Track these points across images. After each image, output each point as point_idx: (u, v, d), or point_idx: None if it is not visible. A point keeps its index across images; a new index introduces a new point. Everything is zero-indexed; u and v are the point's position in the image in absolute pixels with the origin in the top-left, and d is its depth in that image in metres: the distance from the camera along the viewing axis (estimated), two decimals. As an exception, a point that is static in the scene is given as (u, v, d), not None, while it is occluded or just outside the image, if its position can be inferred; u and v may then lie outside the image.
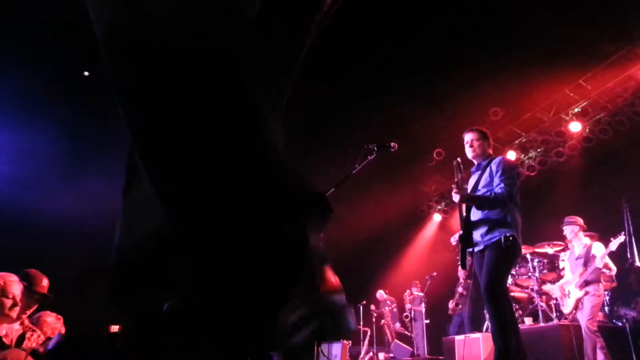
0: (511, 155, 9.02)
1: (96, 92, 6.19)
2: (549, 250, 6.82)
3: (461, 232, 3.94)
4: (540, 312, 6.30)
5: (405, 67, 7.57)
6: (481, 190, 3.93)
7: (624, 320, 5.93)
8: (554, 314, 6.19)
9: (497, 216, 3.77)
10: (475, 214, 3.89)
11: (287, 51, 1.07)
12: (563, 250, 6.53)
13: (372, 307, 9.45)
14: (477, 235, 3.83)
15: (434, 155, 9.95)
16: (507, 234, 3.67)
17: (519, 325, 4.07)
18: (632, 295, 6.39)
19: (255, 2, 0.95)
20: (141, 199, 0.84)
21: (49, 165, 7.26)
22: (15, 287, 3.00)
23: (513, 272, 6.94)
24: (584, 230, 6.00)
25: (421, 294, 9.05)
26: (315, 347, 3.56)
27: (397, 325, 9.73)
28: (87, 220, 6.81)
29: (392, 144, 4.10)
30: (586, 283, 5.58)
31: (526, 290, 6.99)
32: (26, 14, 6.08)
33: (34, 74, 6.59)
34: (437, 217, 11.36)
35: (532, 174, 9.12)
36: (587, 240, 5.93)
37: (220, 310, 0.72)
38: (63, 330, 3.60)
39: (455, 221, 4.48)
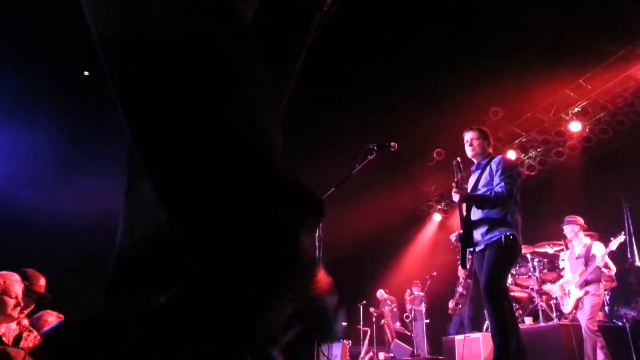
0: (511, 155, 9.02)
1: (95, 92, 6.19)
2: (549, 249, 6.82)
3: (461, 231, 3.94)
4: (540, 312, 6.30)
5: (405, 67, 7.57)
6: (481, 190, 3.93)
7: (624, 320, 5.93)
8: (554, 314, 6.19)
9: (497, 215, 3.77)
10: (476, 214, 3.88)
11: (286, 51, 1.07)
12: (563, 249, 6.53)
13: (372, 309, 9.44)
14: (477, 234, 3.83)
15: (434, 155, 9.95)
16: (507, 234, 3.67)
17: (519, 325, 4.07)
18: (632, 295, 6.39)
19: (255, 1, 0.95)
20: (142, 199, 0.84)
21: (48, 165, 7.27)
22: (17, 286, 3.00)
23: (513, 271, 6.93)
24: (584, 230, 6.00)
25: (421, 293, 9.05)
26: (316, 347, 3.56)
27: (397, 324, 9.73)
28: (86, 220, 6.81)
29: (392, 143, 4.11)
30: (586, 283, 5.58)
31: (526, 290, 6.99)
32: (26, 14, 6.08)
33: (33, 73, 6.59)
34: (437, 217, 11.36)
35: (532, 173, 9.12)
36: (587, 240, 5.93)
37: (218, 310, 0.72)
38: None
39: (455, 221, 4.48)
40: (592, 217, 6.32)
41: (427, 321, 8.77)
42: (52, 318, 3.56)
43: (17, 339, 3.01)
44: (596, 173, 8.17)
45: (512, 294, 6.65)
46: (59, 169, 7.41)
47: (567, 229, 6.00)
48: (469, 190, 4.05)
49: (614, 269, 5.79)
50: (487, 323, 6.57)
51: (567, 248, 6.26)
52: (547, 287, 6.47)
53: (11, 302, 2.92)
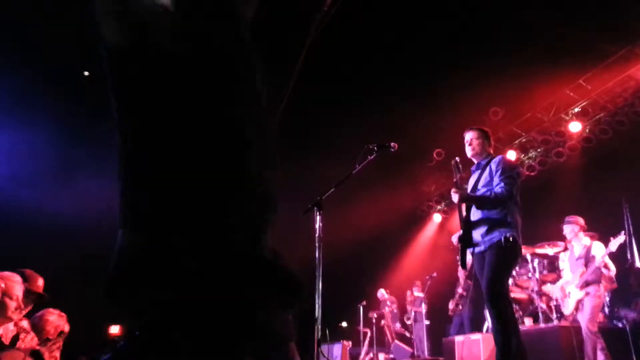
0: (511, 155, 9.02)
1: (95, 92, 6.19)
2: (549, 250, 6.81)
3: (461, 232, 3.94)
4: (540, 313, 6.29)
5: (405, 67, 7.57)
6: (481, 190, 3.92)
7: (624, 321, 5.92)
8: (554, 315, 6.19)
9: (497, 216, 3.76)
10: (475, 214, 3.88)
11: (286, 51, 1.07)
12: (563, 250, 6.52)
13: (371, 313, 9.42)
14: (477, 235, 3.83)
15: (434, 155, 9.95)
16: (507, 234, 3.66)
17: (519, 326, 4.07)
18: (633, 296, 6.38)
19: (255, 1, 0.95)
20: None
21: (48, 165, 7.26)
22: (18, 288, 2.99)
23: (513, 272, 6.93)
24: (584, 230, 5.99)
25: (421, 294, 9.05)
26: (315, 348, 3.55)
27: (398, 325, 9.72)
28: (86, 220, 6.81)
29: (392, 143, 4.10)
30: (586, 284, 5.57)
31: (526, 291, 6.98)
32: (26, 14, 6.07)
33: (33, 73, 6.58)
34: (437, 217, 11.36)
35: (532, 174, 9.12)
36: (587, 241, 5.92)
37: (219, 310, 0.73)
38: (67, 328, 3.56)
39: (455, 221, 4.47)
40: (592, 217, 6.31)
41: (427, 322, 8.76)
42: (53, 317, 3.55)
43: (14, 339, 3.00)
44: (596, 173, 8.16)
45: (512, 295, 6.64)
46: (59, 169, 7.41)
47: (567, 229, 5.99)
48: (468, 190, 4.04)
49: (613, 269, 5.78)
50: (487, 324, 6.57)
51: (567, 249, 6.25)
52: (547, 288, 6.46)
53: (12, 304, 2.91)
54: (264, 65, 0.83)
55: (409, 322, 9.28)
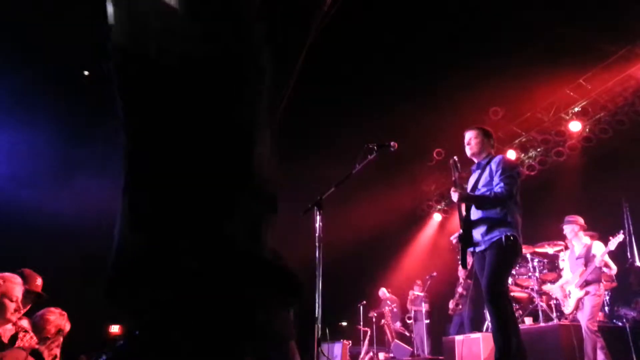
0: (511, 154, 9.02)
1: (95, 92, 6.19)
2: (549, 250, 6.82)
3: (461, 231, 3.94)
4: (540, 312, 6.30)
5: (405, 67, 7.57)
6: (481, 190, 3.92)
7: (624, 320, 5.93)
8: (554, 314, 6.19)
9: (497, 216, 3.76)
10: (475, 214, 3.88)
11: (286, 51, 1.07)
12: (563, 250, 6.53)
13: (371, 313, 9.43)
14: (477, 234, 3.83)
15: (434, 155, 9.95)
16: (508, 234, 3.66)
17: (519, 325, 4.07)
18: (633, 295, 6.39)
19: (255, 2, 0.95)
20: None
21: (48, 165, 7.26)
22: (18, 289, 2.98)
23: (513, 272, 6.93)
24: (584, 230, 5.99)
25: (422, 294, 9.05)
26: (316, 347, 3.56)
27: (398, 324, 9.73)
28: (86, 220, 6.81)
29: (392, 143, 4.10)
30: (587, 283, 5.57)
31: (526, 290, 6.98)
32: (26, 14, 6.07)
33: (33, 73, 6.58)
34: (437, 217, 11.36)
35: (532, 173, 9.12)
36: (587, 240, 5.93)
37: (219, 310, 0.73)
38: (68, 327, 3.56)
39: (455, 221, 4.47)
40: (592, 217, 6.32)
41: (427, 321, 8.77)
42: (54, 317, 3.54)
43: (13, 339, 2.99)
44: (596, 173, 8.17)
45: (512, 294, 6.65)
46: (59, 169, 7.41)
47: (567, 229, 6.00)
48: (469, 189, 4.04)
49: (614, 268, 5.78)
50: (487, 323, 6.57)
51: (567, 248, 6.26)
52: (547, 287, 6.46)
53: (11, 305, 2.91)
54: (272, 65, 0.83)
55: (410, 322, 9.29)
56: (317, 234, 3.94)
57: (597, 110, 8.20)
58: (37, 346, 3.07)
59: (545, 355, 5.21)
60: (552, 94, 8.37)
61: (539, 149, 9.14)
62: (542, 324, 5.99)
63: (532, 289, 6.70)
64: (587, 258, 5.70)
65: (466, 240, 3.86)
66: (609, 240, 5.62)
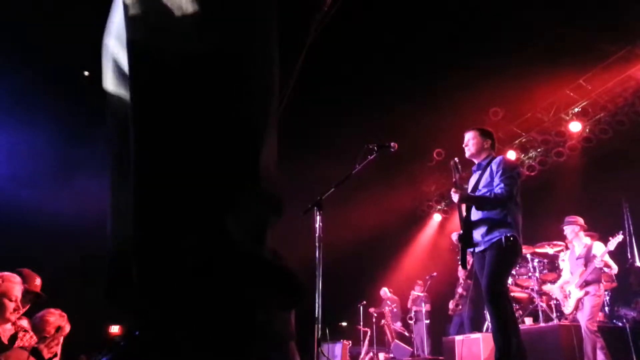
0: (511, 155, 9.02)
1: (95, 92, 6.18)
2: (549, 250, 6.82)
3: (461, 231, 3.94)
4: (540, 312, 6.30)
5: (405, 67, 7.57)
6: (482, 190, 3.93)
7: (624, 321, 5.93)
8: (554, 314, 6.19)
9: (498, 216, 3.76)
10: (475, 214, 3.88)
11: (286, 51, 1.07)
12: (563, 250, 6.53)
13: (371, 309, 9.43)
14: (477, 235, 3.83)
15: (434, 155, 9.95)
16: (508, 234, 3.67)
17: (519, 326, 4.07)
18: (633, 295, 6.39)
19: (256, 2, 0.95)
20: (124, 199, 0.84)
21: (48, 165, 7.26)
22: (18, 289, 2.98)
23: (513, 272, 6.93)
24: (584, 230, 5.99)
25: (422, 294, 9.06)
26: (316, 347, 3.56)
27: (398, 324, 9.73)
28: (86, 220, 6.80)
29: (392, 143, 4.11)
30: (586, 283, 5.58)
31: (526, 291, 6.99)
32: (26, 14, 6.07)
33: (33, 73, 6.58)
34: (437, 217, 11.36)
35: (532, 173, 9.12)
36: (587, 240, 5.93)
37: (219, 310, 0.73)
38: (68, 328, 3.55)
39: (455, 221, 4.48)
40: (592, 217, 6.32)
41: (427, 322, 8.77)
42: (53, 318, 3.54)
43: (12, 338, 2.99)
44: (596, 173, 8.17)
45: (512, 294, 6.65)
46: (59, 169, 7.41)
47: (568, 230, 6.00)
48: (469, 190, 4.05)
49: (614, 267, 5.79)
50: (487, 324, 6.57)
51: (567, 248, 6.26)
52: (547, 287, 6.46)
53: (11, 305, 2.90)
54: (279, 65, 0.84)
55: (411, 322, 9.29)
56: (317, 234, 3.95)
57: (597, 111, 8.20)
58: (36, 345, 3.06)
59: (545, 355, 5.21)
60: (552, 94, 8.37)
61: (539, 150, 9.14)
62: (542, 324, 5.99)
63: (532, 289, 6.70)
64: (588, 258, 5.70)
65: (466, 240, 3.86)
66: (609, 240, 5.63)
